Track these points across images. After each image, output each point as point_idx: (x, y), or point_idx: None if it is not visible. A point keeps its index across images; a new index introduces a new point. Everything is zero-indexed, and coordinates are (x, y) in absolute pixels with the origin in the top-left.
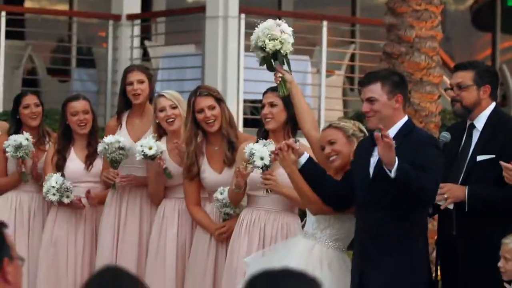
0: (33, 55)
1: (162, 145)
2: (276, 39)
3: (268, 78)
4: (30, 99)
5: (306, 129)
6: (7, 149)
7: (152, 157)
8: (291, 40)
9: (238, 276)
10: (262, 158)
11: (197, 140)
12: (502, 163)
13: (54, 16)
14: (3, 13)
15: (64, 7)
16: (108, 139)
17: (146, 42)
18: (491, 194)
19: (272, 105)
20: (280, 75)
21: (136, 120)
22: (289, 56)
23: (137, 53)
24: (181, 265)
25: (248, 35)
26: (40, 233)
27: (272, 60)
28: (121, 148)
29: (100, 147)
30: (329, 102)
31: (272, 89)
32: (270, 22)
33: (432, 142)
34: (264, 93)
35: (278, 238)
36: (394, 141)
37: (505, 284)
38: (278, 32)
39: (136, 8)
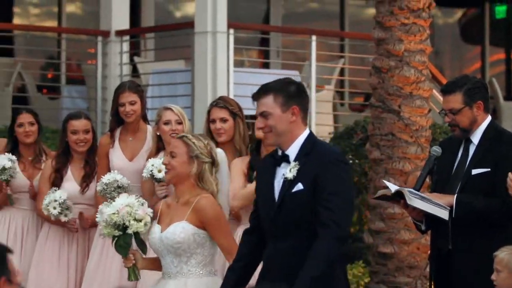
0: (22, 72)
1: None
2: (137, 220)
3: None
4: (24, 118)
5: None
6: None
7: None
8: (147, 219)
9: None
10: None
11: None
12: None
13: (43, 32)
14: None
15: (53, 23)
16: (106, 178)
17: (136, 58)
18: (478, 202)
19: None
20: (133, 261)
21: (129, 137)
22: (279, 71)
23: (126, 69)
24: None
25: (237, 50)
26: (32, 251)
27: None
28: (119, 187)
29: (99, 187)
30: (319, 117)
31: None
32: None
33: (338, 159)
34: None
35: None
36: (296, 162)
37: None
38: (129, 215)
39: (125, 24)
